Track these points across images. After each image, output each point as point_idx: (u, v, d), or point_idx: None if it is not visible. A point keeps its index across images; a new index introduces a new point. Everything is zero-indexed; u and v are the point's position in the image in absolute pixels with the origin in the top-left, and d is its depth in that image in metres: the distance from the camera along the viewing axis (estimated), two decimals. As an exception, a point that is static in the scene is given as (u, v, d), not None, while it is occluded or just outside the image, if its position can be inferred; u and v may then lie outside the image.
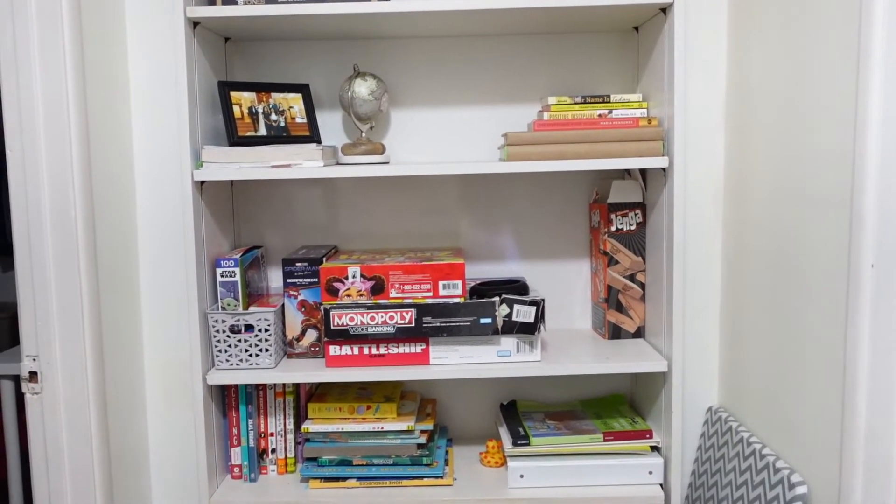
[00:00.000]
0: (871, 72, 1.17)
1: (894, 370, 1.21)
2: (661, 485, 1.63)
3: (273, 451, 1.72)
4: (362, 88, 1.68)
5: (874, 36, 1.17)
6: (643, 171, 1.74)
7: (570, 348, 1.70)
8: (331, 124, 1.82)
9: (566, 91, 1.82)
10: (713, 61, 1.79)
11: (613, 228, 1.72)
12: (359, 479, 1.65)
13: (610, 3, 1.50)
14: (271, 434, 1.71)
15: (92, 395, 1.59)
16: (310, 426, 1.64)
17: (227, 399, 1.70)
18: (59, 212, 1.54)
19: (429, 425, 1.67)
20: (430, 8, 1.50)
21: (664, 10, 1.56)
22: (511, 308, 1.57)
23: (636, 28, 1.77)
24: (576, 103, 1.62)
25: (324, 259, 1.65)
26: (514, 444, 1.64)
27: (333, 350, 1.59)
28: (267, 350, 1.60)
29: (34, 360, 1.58)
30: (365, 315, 1.57)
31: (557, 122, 1.61)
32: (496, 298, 1.57)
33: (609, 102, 1.63)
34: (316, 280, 1.63)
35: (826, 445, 1.35)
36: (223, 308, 1.60)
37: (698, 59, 1.79)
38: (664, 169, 1.59)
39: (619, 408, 1.80)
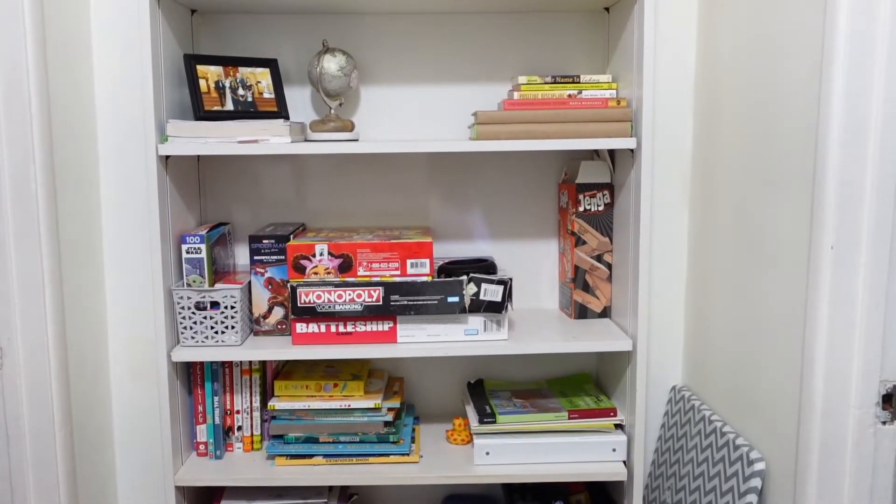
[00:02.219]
0: (834, 59, 1.19)
1: (851, 351, 1.24)
2: (624, 462, 1.65)
3: (239, 428, 1.71)
4: (331, 64, 1.66)
5: (839, 24, 1.18)
6: (611, 152, 1.75)
7: (537, 327, 1.71)
8: (299, 100, 1.80)
9: (537, 70, 1.82)
10: (683, 44, 1.80)
11: (581, 209, 1.73)
12: (325, 456, 1.65)
13: (581, -18, 1.50)
14: (237, 411, 1.71)
15: (54, 371, 1.57)
16: (276, 403, 1.64)
17: (192, 376, 1.69)
18: (20, 186, 1.51)
19: (396, 403, 1.68)
20: (400, -17, 1.48)
21: (635, -10, 1.56)
22: (479, 287, 1.58)
23: (607, 9, 1.77)
24: (546, 83, 1.62)
25: (291, 236, 1.64)
26: (481, 421, 1.65)
27: (300, 328, 1.59)
28: (233, 327, 1.59)
29: (-6, 336, 1.55)
30: (332, 293, 1.56)
31: (527, 101, 1.61)
32: (464, 277, 1.58)
33: (579, 83, 1.63)
34: (283, 257, 1.62)
35: (784, 424, 1.38)
36: (189, 285, 1.58)
37: (668, 42, 1.80)
38: (632, 150, 1.60)
39: (584, 386, 1.82)
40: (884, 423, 1.24)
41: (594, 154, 1.80)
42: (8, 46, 1.47)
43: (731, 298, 1.60)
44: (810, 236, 1.26)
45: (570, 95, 1.62)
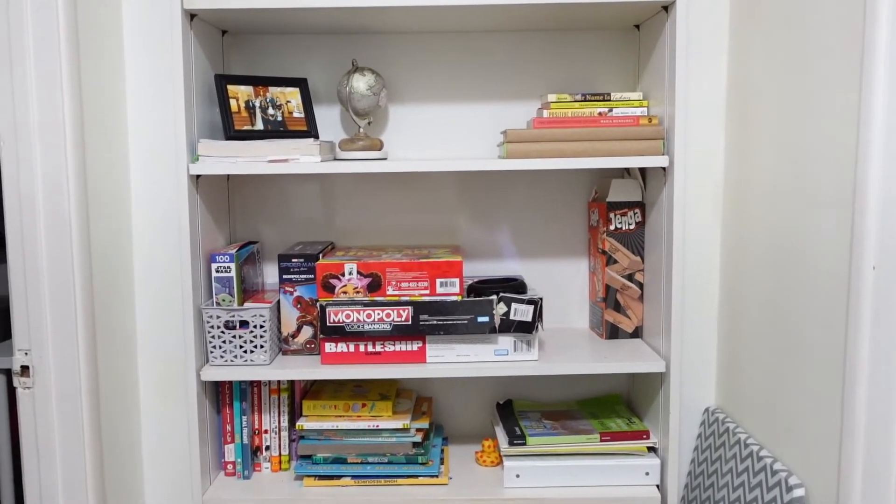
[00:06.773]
0: (874, 70, 1.16)
1: (894, 372, 1.20)
2: (657, 486, 1.62)
3: (267, 448, 1.71)
4: (360, 83, 1.66)
5: (878, 34, 1.15)
6: (643, 170, 1.73)
7: (568, 348, 1.69)
8: (328, 119, 1.81)
9: (566, 88, 1.81)
10: (714, 60, 1.78)
11: (612, 227, 1.71)
12: (353, 477, 1.64)
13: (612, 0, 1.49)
14: (265, 431, 1.70)
15: (84, 390, 1.58)
16: (304, 423, 1.63)
17: (220, 395, 1.68)
18: (53, 204, 1.52)
19: (424, 424, 1.66)
20: (429, 3, 1.48)
21: (666, 7, 1.55)
22: (509, 307, 1.56)
23: (637, 26, 1.76)
24: (576, 101, 1.61)
25: (320, 255, 1.63)
26: (511, 443, 1.63)
27: (329, 347, 1.58)
28: (262, 346, 1.59)
29: (26, 354, 1.56)
30: (361, 312, 1.55)
31: (557, 119, 1.60)
32: (494, 297, 1.56)
33: (609, 100, 1.62)
34: (312, 276, 1.62)
35: (825, 447, 1.34)
36: (218, 304, 1.58)
37: (699, 58, 1.78)
38: (664, 168, 1.58)
39: (615, 408, 1.79)
40: (930, 448, 1.20)
41: (625, 172, 1.78)
42: (41, 66, 1.49)
43: (766, 318, 1.57)
44: (851, 256, 1.23)
45: (600, 113, 1.61)
